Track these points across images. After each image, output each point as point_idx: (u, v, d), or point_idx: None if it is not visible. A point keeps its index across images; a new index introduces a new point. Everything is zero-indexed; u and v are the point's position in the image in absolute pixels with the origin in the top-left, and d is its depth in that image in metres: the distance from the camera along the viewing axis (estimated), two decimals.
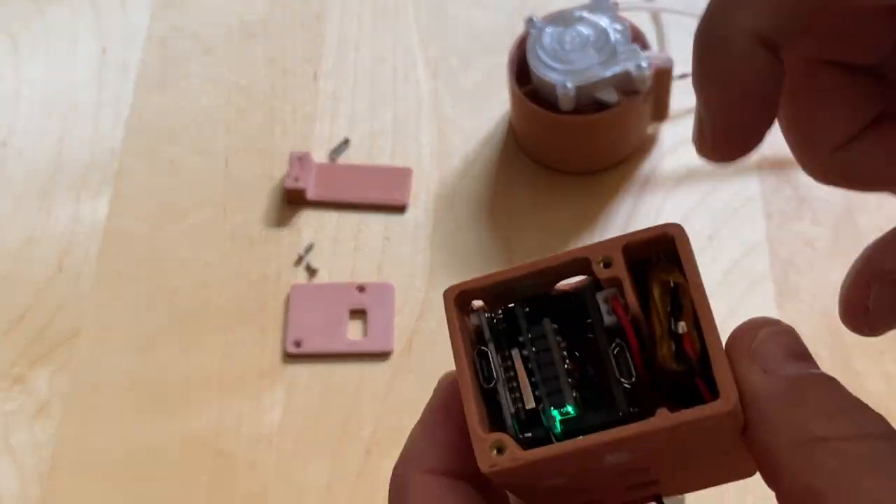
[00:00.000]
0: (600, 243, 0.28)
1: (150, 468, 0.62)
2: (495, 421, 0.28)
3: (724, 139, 0.28)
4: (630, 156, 0.72)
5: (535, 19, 0.70)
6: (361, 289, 0.68)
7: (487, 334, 0.28)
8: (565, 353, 0.28)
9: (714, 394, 0.26)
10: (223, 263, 0.69)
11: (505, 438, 0.26)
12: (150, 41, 0.79)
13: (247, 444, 0.63)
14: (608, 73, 0.67)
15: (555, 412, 0.27)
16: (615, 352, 0.27)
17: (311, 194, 0.71)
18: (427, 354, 0.66)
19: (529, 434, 0.27)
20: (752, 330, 0.27)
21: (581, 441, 0.26)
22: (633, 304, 0.27)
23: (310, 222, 0.71)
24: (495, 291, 0.28)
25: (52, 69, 0.78)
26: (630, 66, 0.67)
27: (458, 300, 0.28)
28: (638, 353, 0.27)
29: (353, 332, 0.67)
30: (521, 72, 0.70)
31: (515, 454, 0.26)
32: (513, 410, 0.27)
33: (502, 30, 0.77)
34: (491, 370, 0.28)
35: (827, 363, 0.62)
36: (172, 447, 0.63)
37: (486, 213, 0.71)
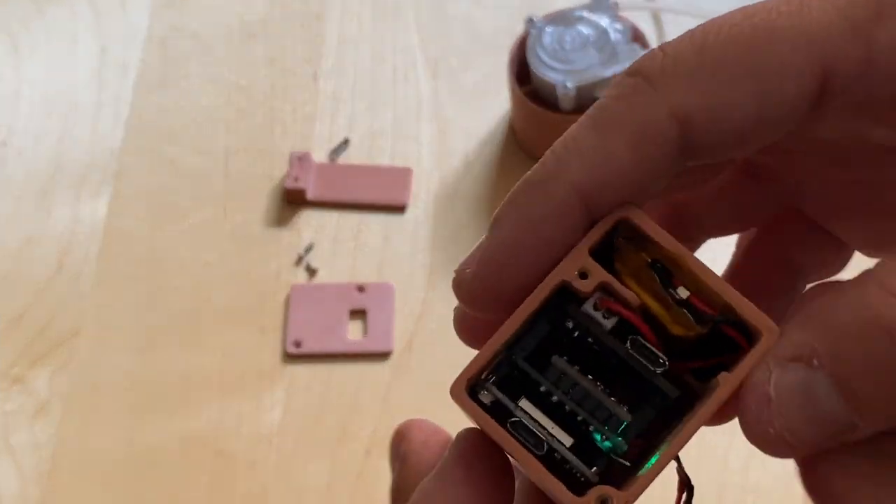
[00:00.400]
0: (566, 261, 0.26)
1: (150, 468, 0.62)
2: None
3: (494, 274, 0.26)
4: None
5: (535, 19, 0.70)
6: (361, 289, 0.68)
7: (511, 406, 0.26)
8: (590, 376, 0.26)
9: (744, 334, 0.26)
10: (223, 263, 0.69)
11: (606, 490, 0.25)
12: (150, 41, 0.79)
13: (247, 444, 0.63)
14: (608, 73, 0.67)
15: (617, 437, 0.26)
16: (633, 348, 0.26)
17: (311, 194, 0.71)
18: (427, 354, 0.66)
19: (596, 468, 0.26)
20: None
21: (673, 448, 0.25)
22: (632, 297, 0.26)
23: (310, 222, 0.71)
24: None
25: (52, 69, 0.78)
26: None
27: (469, 390, 0.26)
28: (654, 337, 0.26)
29: (353, 332, 0.67)
30: (521, 72, 0.70)
31: (625, 499, 0.25)
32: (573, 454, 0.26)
33: (502, 30, 0.77)
34: (536, 435, 0.26)
35: None
36: (172, 447, 0.63)
37: (486, 213, 0.71)
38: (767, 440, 0.24)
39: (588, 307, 0.26)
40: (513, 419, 0.26)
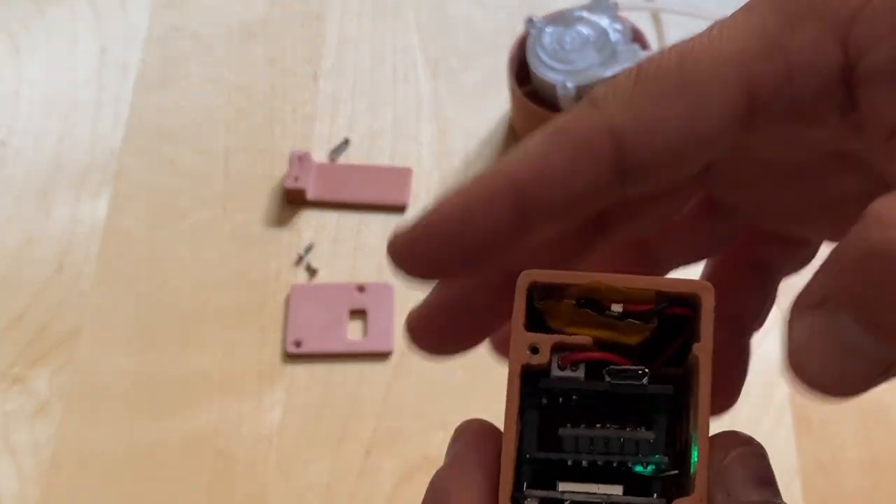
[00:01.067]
0: (512, 350, 0.28)
1: (150, 468, 0.62)
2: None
3: (422, 236, 0.30)
4: None
5: (535, 19, 0.70)
6: (361, 289, 0.68)
7: (556, 495, 0.28)
8: (598, 425, 0.28)
9: (687, 304, 0.27)
10: (223, 263, 0.69)
11: (683, 503, 0.26)
12: (150, 41, 0.79)
13: (247, 444, 0.63)
14: (608, 73, 0.67)
15: (654, 457, 0.27)
16: (613, 378, 0.27)
17: (311, 194, 0.71)
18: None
19: (656, 494, 0.27)
20: (726, 447, 0.27)
21: (702, 431, 0.27)
22: (586, 341, 0.28)
23: (310, 222, 0.71)
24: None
25: (52, 69, 0.78)
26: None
27: None
28: (621, 358, 0.28)
29: (353, 332, 0.67)
30: (521, 72, 0.70)
31: (698, 499, 0.26)
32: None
33: (502, 30, 0.77)
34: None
35: None
36: (172, 447, 0.63)
37: None
38: (813, 384, 0.25)
39: (555, 372, 0.28)
40: (566, 503, 0.27)
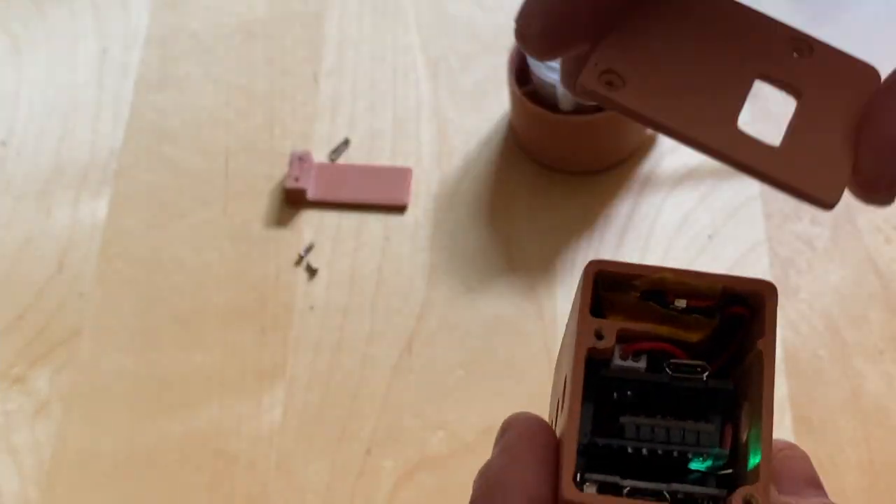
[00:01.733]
0: (578, 335, 0.27)
1: (150, 468, 0.62)
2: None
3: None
4: (630, 156, 0.72)
5: None
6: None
7: (616, 479, 0.28)
8: (658, 416, 0.28)
9: (748, 305, 0.27)
10: (223, 263, 0.69)
11: (745, 491, 0.26)
12: (150, 41, 0.79)
13: (247, 444, 0.63)
14: None
15: (714, 449, 0.27)
16: (673, 372, 0.27)
17: (311, 194, 0.71)
18: (427, 354, 0.66)
19: (715, 485, 0.27)
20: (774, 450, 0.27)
21: (766, 425, 0.26)
22: (649, 328, 0.28)
23: (310, 222, 0.71)
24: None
25: (52, 69, 0.78)
26: None
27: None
28: (683, 353, 0.28)
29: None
30: (521, 72, 0.70)
31: (763, 488, 0.26)
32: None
33: (502, 30, 0.77)
34: (653, 490, 0.28)
35: (827, 363, 0.62)
36: (172, 447, 0.63)
37: (486, 213, 0.71)
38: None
39: (617, 361, 0.28)
40: (626, 489, 0.27)
